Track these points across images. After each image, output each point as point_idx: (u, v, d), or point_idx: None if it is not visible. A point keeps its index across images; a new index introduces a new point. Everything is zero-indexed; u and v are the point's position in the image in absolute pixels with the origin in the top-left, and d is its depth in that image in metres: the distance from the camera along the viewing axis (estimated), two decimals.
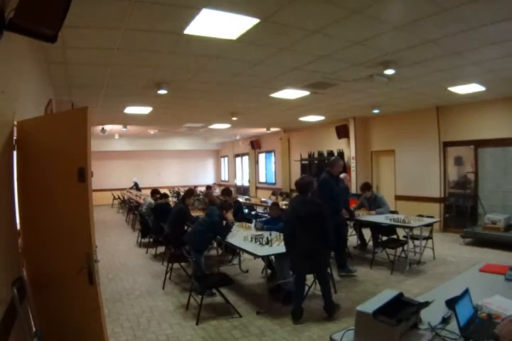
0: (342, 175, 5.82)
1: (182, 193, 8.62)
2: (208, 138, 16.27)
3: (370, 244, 6.04)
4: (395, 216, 5.57)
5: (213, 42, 3.64)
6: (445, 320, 1.75)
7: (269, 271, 4.33)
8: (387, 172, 9.27)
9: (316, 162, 11.09)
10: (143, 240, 7.12)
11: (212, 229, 4.36)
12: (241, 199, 9.01)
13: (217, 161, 18.86)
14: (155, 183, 13.13)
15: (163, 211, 6.21)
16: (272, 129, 12.48)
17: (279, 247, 3.90)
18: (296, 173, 12.01)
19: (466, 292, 1.84)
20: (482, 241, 6.33)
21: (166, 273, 4.84)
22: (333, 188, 4.86)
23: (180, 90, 5.83)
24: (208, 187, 10.02)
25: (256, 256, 3.98)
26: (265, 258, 3.84)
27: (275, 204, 5.73)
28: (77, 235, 2.15)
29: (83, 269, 2.06)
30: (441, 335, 1.61)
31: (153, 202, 7.46)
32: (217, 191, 11.36)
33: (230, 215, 4.56)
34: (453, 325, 1.67)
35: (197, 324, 3.52)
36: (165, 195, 7.18)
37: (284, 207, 8.13)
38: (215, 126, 10.79)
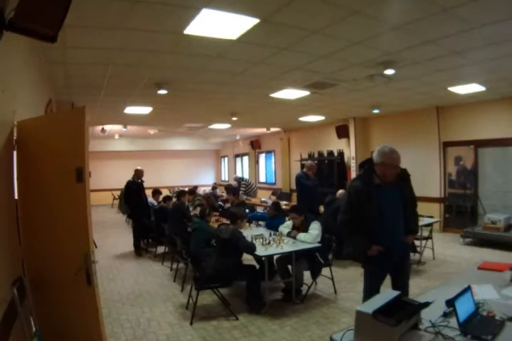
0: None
1: None
2: (207, 138, 16.25)
3: None
4: None
5: (213, 42, 3.63)
6: (446, 315, 1.76)
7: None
8: None
9: (316, 162, 11.06)
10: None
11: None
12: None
13: (217, 161, 18.83)
14: (155, 183, 13.11)
15: (165, 212, 6.19)
16: (272, 129, 12.46)
17: (278, 248, 3.88)
18: (296, 173, 11.97)
19: (468, 289, 1.84)
20: (482, 241, 6.33)
21: (174, 270, 4.84)
22: None
23: (180, 90, 5.82)
24: (214, 187, 9.86)
25: (257, 257, 3.97)
26: (266, 258, 3.81)
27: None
28: (75, 235, 2.15)
29: (81, 270, 2.06)
30: (442, 332, 1.62)
31: (155, 202, 7.41)
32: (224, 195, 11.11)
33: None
34: (454, 322, 1.68)
35: (191, 324, 3.52)
36: (169, 198, 6.88)
37: (284, 206, 8.18)
38: (215, 126, 10.78)
